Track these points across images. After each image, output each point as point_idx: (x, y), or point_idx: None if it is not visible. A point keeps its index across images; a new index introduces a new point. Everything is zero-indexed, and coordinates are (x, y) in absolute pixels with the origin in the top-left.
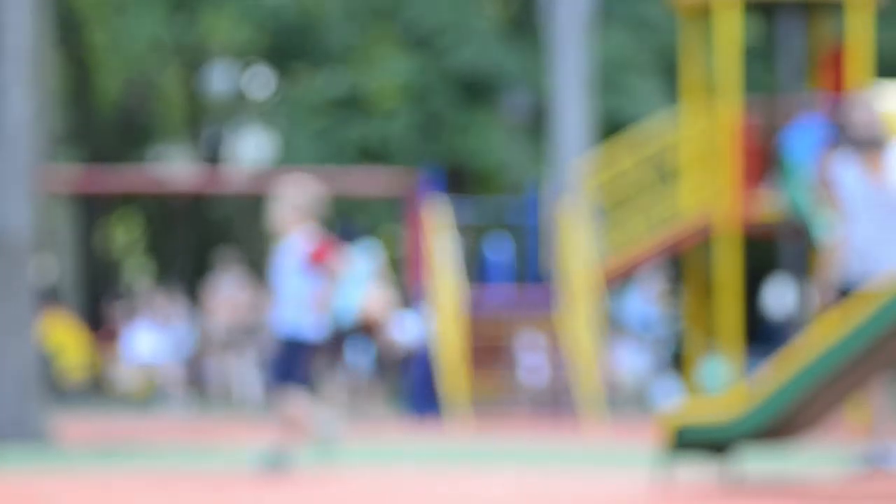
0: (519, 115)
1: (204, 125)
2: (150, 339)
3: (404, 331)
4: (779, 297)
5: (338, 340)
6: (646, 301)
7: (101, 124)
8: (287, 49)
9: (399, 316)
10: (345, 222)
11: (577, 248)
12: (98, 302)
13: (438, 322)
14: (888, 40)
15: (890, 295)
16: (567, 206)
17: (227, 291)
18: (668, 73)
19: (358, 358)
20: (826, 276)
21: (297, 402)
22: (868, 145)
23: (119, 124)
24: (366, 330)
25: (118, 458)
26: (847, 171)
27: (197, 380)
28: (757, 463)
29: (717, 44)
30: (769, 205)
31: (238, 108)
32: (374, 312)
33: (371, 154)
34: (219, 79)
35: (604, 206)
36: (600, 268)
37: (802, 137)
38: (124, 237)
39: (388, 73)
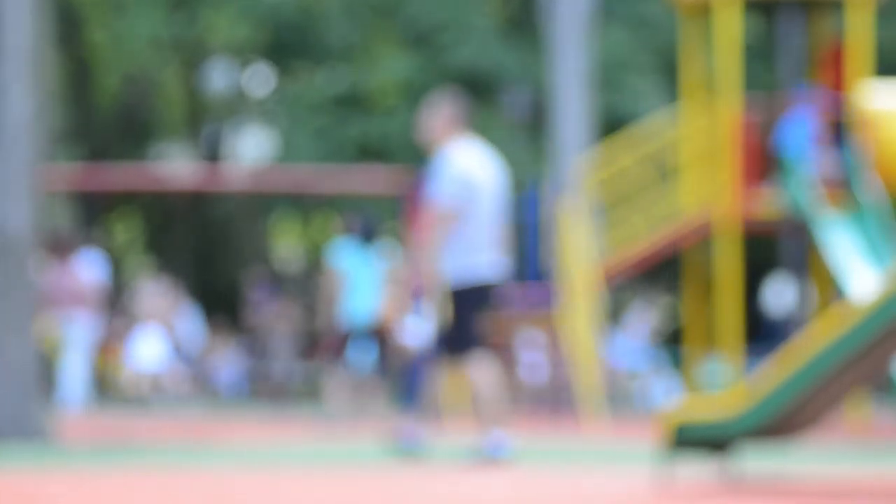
0: (519, 114)
1: (204, 123)
2: (152, 346)
3: (413, 336)
4: (779, 294)
5: (344, 339)
6: (635, 338)
7: (101, 122)
8: (287, 47)
9: (409, 320)
10: (365, 220)
11: (577, 245)
12: None
13: None
14: (888, 39)
15: (890, 293)
16: (567, 204)
17: (151, 298)
18: (668, 72)
19: (360, 356)
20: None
21: None
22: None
23: (119, 122)
24: (377, 333)
25: (118, 458)
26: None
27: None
28: (757, 461)
29: (717, 42)
30: (769, 202)
31: (238, 105)
32: (391, 319)
33: (371, 152)
34: (218, 76)
35: (604, 204)
36: (600, 266)
37: (793, 131)
38: (124, 235)
39: (387, 70)
